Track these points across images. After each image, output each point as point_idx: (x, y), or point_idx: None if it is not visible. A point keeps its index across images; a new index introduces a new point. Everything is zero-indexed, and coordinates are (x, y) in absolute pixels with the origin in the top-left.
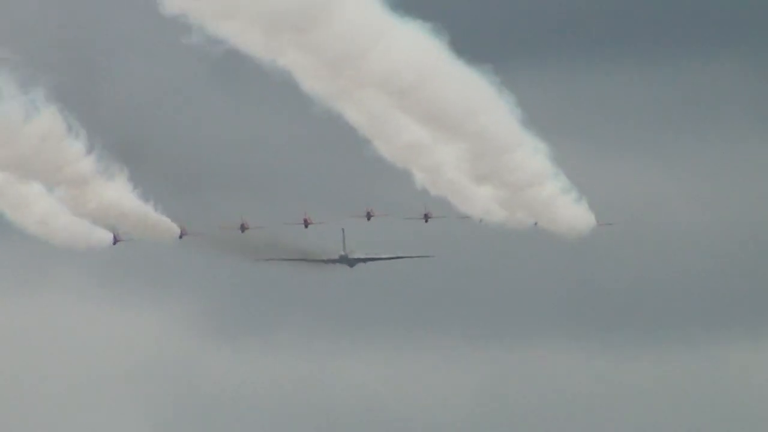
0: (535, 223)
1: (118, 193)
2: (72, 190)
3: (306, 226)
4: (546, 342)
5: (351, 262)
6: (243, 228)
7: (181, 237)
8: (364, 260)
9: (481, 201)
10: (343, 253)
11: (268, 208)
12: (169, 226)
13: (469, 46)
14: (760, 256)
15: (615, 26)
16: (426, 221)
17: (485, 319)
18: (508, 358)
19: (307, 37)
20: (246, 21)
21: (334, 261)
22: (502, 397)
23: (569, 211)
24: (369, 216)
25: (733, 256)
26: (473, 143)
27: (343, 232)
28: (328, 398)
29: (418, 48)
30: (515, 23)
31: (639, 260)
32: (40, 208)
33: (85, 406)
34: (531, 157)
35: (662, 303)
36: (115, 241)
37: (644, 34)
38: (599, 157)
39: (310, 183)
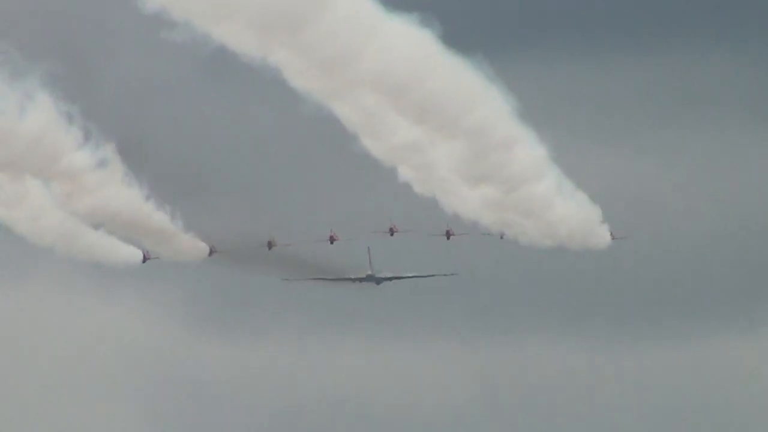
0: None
1: (116, 191)
2: (67, 185)
3: (332, 243)
4: (548, 340)
5: (378, 281)
6: (270, 245)
7: (210, 255)
8: (391, 278)
9: (473, 202)
10: (370, 272)
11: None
12: (199, 245)
13: (460, 36)
14: (753, 245)
15: (609, 14)
16: (448, 238)
17: (487, 319)
18: (507, 352)
19: (298, 36)
20: (237, 20)
21: (361, 280)
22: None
23: (565, 209)
24: (392, 232)
25: (731, 249)
26: (467, 140)
27: (369, 251)
28: (330, 396)
29: (409, 44)
30: (507, 13)
31: (637, 259)
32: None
33: (81, 403)
34: (526, 152)
35: (659, 299)
36: (145, 259)
37: (639, 23)
38: (595, 150)
39: (306, 189)
